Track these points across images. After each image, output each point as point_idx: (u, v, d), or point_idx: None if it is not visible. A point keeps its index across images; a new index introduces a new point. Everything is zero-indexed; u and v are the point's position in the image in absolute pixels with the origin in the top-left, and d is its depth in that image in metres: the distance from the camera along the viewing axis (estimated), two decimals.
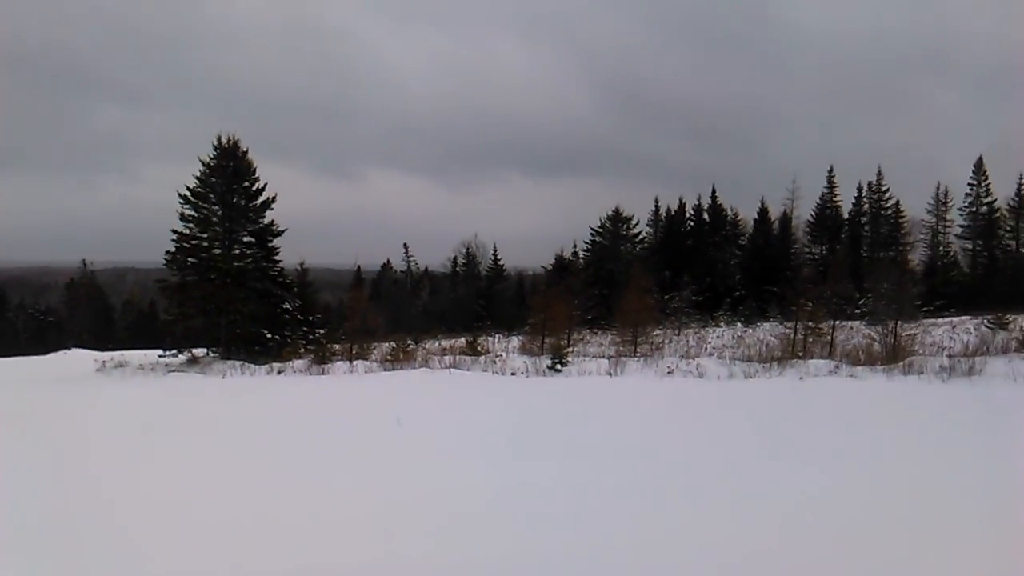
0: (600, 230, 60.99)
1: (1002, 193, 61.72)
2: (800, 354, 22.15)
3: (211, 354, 27.62)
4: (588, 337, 33.32)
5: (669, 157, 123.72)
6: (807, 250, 64.00)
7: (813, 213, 63.91)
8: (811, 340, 24.17)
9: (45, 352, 38.97)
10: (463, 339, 29.19)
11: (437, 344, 29.15)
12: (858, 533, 6.13)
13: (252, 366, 23.65)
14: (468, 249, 73.00)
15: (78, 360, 30.35)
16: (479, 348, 26.22)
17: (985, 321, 29.97)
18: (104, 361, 27.40)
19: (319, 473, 8.85)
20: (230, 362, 24.73)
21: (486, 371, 20.48)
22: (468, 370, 20.57)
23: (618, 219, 60.18)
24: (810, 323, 24.44)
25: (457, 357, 23.35)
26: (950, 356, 18.74)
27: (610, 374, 19.07)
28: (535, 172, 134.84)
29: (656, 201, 66.17)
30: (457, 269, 73.15)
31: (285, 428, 12.37)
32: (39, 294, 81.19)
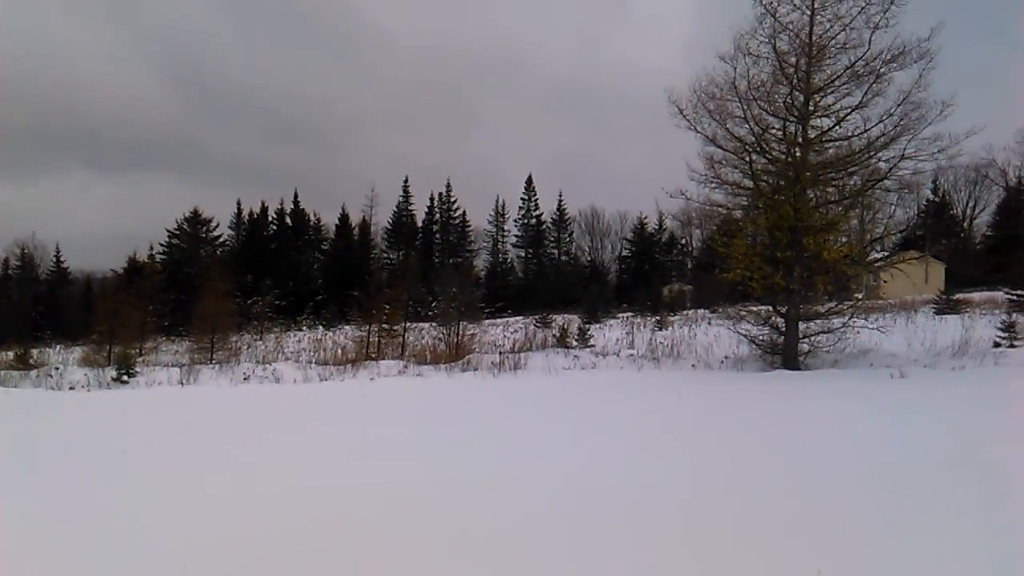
0: (178, 232, 58.06)
1: (549, 207, 71.22)
2: (374, 355, 23.51)
3: None
4: (163, 345, 31.64)
5: (249, 156, 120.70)
6: (385, 255, 67.55)
7: (391, 220, 67.79)
8: (384, 342, 25.71)
9: None
10: (12, 352, 25.95)
11: None
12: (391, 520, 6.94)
13: None
14: (24, 249, 64.60)
15: None
16: (33, 361, 23.56)
17: (533, 320, 34.42)
18: None
19: None
20: None
21: (39, 387, 18.60)
22: (15, 387, 18.47)
23: (197, 221, 57.93)
24: (385, 325, 25.98)
25: (2, 373, 20.79)
26: (501, 353, 21.42)
27: (182, 383, 18.55)
28: (101, 164, 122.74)
29: (239, 203, 65.01)
30: (9, 272, 64.26)
31: None
32: None
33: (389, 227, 67.49)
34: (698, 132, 18.70)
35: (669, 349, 21.15)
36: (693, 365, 18.97)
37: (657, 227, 68.78)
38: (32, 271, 64.75)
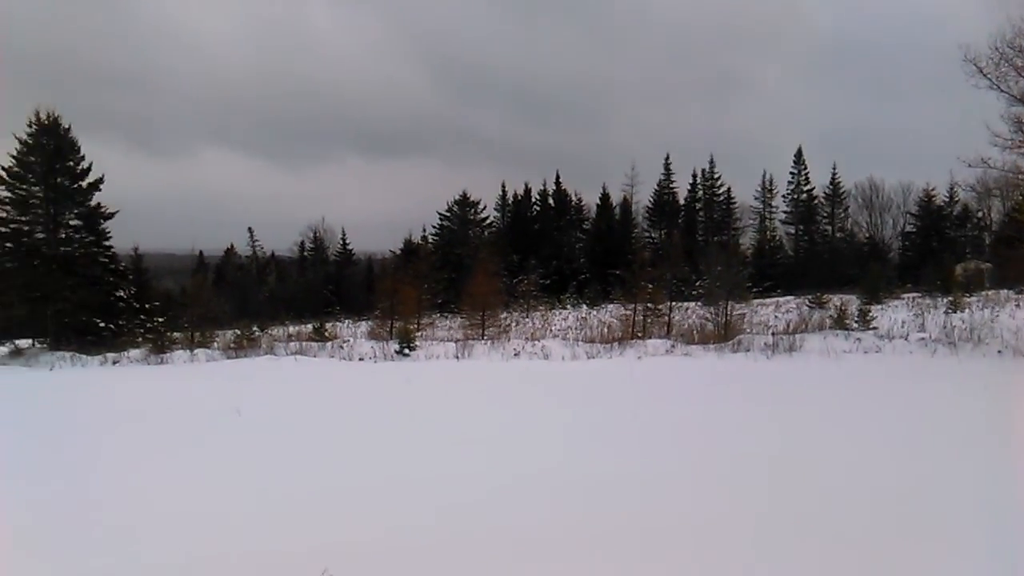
0: (448, 214, 61.31)
1: (821, 180, 66.74)
2: (640, 334, 23.18)
3: (37, 345, 25.81)
4: (437, 321, 33.48)
5: (508, 136, 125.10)
6: (647, 234, 66.77)
7: (652, 199, 66.83)
8: (650, 321, 25.31)
9: None
10: (311, 325, 28.68)
11: (284, 331, 28.50)
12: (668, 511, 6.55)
13: (84, 357, 22.34)
14: (316, 233, 71.56)
15: None
16: (327, 334, 25.85)
17: (806, 300, 32.35)
18: None
19: (150, 467, 8.47)
20: (59, 353, 23.23)
21: (333, 357, 20.28)
22: (315, 356, 20.30)
23: (465, 203, 60.70)
24: (649, 304, 25.58)
25: (304, 344, 22.96)
26: (774, 334, 20.22)
27: (457, 357, 19.34)
28: (372, 152, 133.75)
29: (503, 186, 67.13)
30: (305, 254, 71.49)
31: (115, 419, 11.75)
32: None
33: (650, 205, 66.64)
34: (1002, 91, 16.34)
35: (968, 333, 18.78)
36: (1000, 351, 16.68)
37: (947, 199, 62.03)
38: (323, 253, 71.32)
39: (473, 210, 61.21)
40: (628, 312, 26.01)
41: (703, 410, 11.10)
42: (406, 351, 20.25)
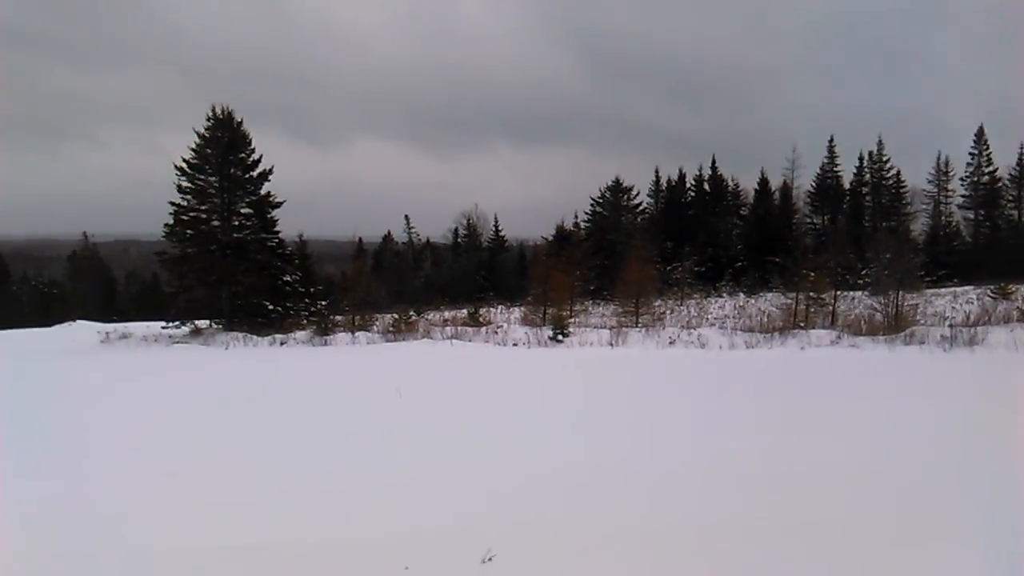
0: (600, 200, 60.81)
1: (1006, 161, 61.36)
2: (802, 324, 22.15)
3: (214, 325, 27.61)
4: (590, 308, 33.31)
5: (660, 121, 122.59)
6: (808, 220, 63.73)
7: (814, 183, 63.59)
8: (813, 310, 24.16)
9: (49, 324, 38.99)
10: (465, 310, 29.18)
11: (439, 315, 29.14)
12: (852, 502, 6.11)
13: (255, 337, 23.73)
14: (469, 220, 72.75)
15: (82, 332, 30.34)
16: (481, 319, 26.21)
17: (987, 291, 29.92)
18: (108, 332, 27.46)
19: (320, 445, 8.81)
20: (233, 333, 24.79)
21: (487, 342, 20.51)
22: (470, 341, 20.59)
23: (618, 189, 59.99)
24: (812, 293, 24.41)
25: (459, 328, 23.37)
26: (952, 326, 18.75)
27: (611, 344, 19.10)
28: (521, 139, 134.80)
29: (656, 171, 65.91)
30: (458, 240, 72.90)
31: (288, 398, 12.35)
32: (42, 267, 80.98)
33: (812, 190, 63.46)
34: None
35: None
36: None
37: None
38: (476, 239, 72.48)
39: (626, 196, 60.41)
40: (789, 301, 24.95)
41: (882, 405, 10.38)
42: (559, 337, 20.21)
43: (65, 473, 7.81)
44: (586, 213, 62.16)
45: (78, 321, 39.49)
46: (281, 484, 7.14)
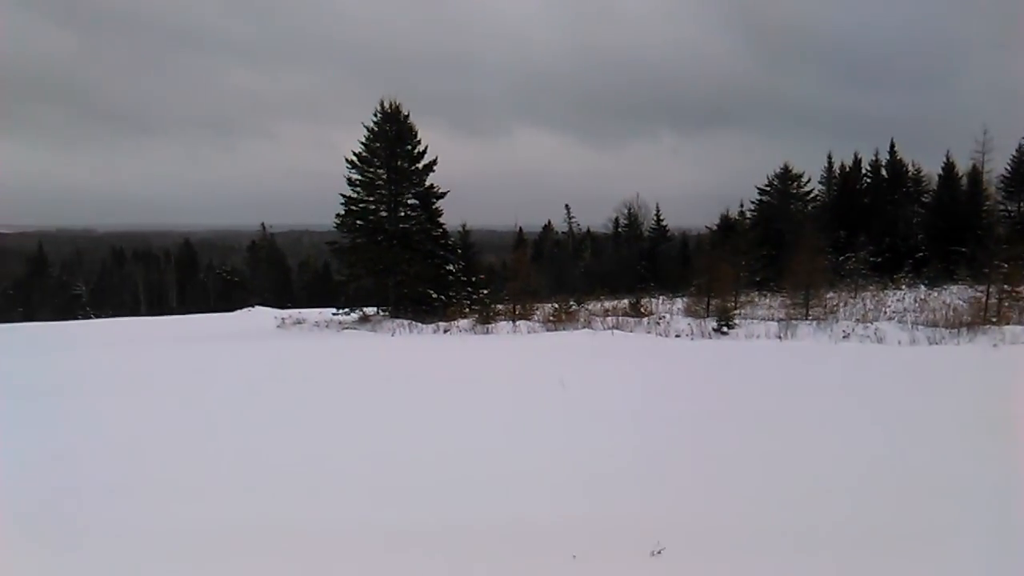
0: (768, 188, 58.38)
1: None
2: (993, 320, 20.33)
3: (381, 313, 28.56)
4: (756, 299, 32.01)
5: (831, 104, 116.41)
6: (1001, 207, 58.55)
7: (1008, 166, 58.25)
8: (1007, 304, 22.10)
9: (231, 309, 41.84)
10: (626, 300, 28.73)
11: (600, 305, 28.84)
12: None
13: (419, 325, 24.32)
14: (630, 209, 71.80)
15: (261, 317, 32.32)
16: (642, 310, 25.70)
17: None
18: (283, 318, 29.10)
19: (486, 433, 8.81)
20: (398, 320, 25.55)
21: (649, 333, 20.04)
22: (631, 332, 20.18)
23: (787, 176, 57.35)
24: (1006, 286, 22.34)
25: (620, 319, 22.99)
26: None
27: (780, 337, 18.19)
28: (683, 125, 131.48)
29: (829, 157, 62.52)
30: (619, 230, 72.15)
31: (453, 385, 12.47)
32: (226, 256, 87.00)
33: (1007, 174, 58.19)
34: None
35: None
36: None
37: None
38: (637, 229, 71.39)
39: (795, 183, 57.71)
40: (978, 294, 22.93)
41: None
42: (724, 329, 19.47)
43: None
44: (752, 201, 59.93)
45: (256, 307, 42.11)
46: (463, 468, 7.20)
